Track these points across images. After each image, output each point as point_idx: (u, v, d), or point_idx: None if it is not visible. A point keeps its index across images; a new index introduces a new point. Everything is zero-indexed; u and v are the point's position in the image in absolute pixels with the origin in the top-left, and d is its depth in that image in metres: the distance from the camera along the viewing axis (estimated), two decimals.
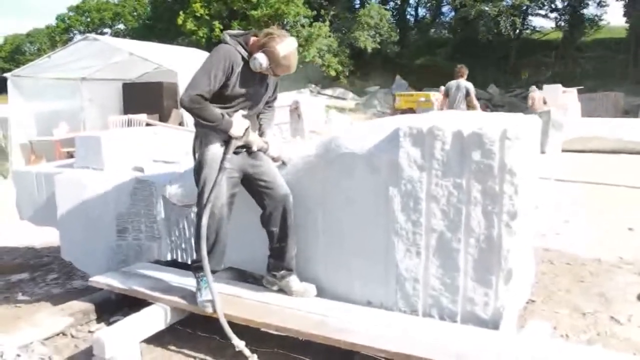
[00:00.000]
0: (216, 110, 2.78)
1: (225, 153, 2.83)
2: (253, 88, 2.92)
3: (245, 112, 2.91)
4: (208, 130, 2.85)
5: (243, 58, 2.82)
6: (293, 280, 2.99)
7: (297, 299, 2.93)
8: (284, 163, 3.13)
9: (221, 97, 2.81)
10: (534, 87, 14.32)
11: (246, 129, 2.87)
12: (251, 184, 3.00)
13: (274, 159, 3.10)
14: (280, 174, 3.07)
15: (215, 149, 2.86)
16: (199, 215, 2.86)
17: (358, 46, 30.73)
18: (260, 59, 2.75)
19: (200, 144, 2.91)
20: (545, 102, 13.28)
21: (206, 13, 30.98)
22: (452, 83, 9.41)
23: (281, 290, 3.01)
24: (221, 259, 2.95)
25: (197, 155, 2.93)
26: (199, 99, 2.72)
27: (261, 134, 3.10)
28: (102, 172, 3.87)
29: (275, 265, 3.02)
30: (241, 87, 2.85)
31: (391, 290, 2.80)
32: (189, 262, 3.33)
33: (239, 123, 2.84)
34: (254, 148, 2.97)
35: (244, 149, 2.96)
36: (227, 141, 2.86)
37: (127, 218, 3.71)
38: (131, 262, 3.68)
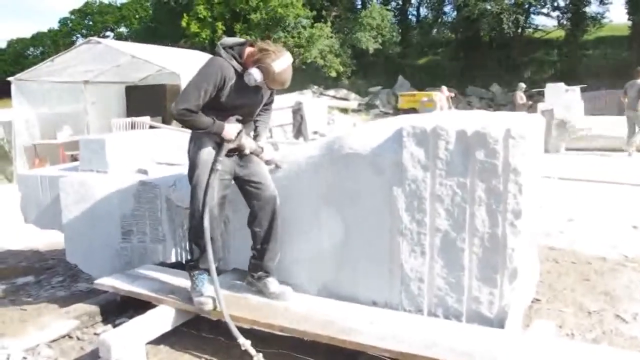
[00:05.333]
0: (205, 118, 2.83)
1: (217, 155, 2.88)
2: (247, 98, 2.95)
3: (240, 118, 2.96)
4: (201, 133, 2.90)
5: (236, 71, 2.85)
6: (271, 282, 3.00)
7: (300, 299, 2.94)
8: (277, 166, 3.15)
9: (216, 105, 2.85)
10: (521, 84, 14.91)
11: (238, 133, 2.90)
12: (242, 184, 3.05)
13: (267, 162, 3.11)
14: (280, 176, 3.09)
15: (207, 151, 2.91)
16: (192, 215, 2.93)
17: (360, 47, 30.71)
18: (255, 74, 2.78)
19: (193, 145, 2.97)
20: (525, 99, 13.94)
21: (209, 15, 31.02)
22: (630, 82, 10.42)
23: (260, 292, 3.02)
24: (214, 258, 2.97)
25: (190, 156, 2.98)
26: (187, 113, 2.78)
27: (256, 136, 3.13)
28: (106, 174, 3.88)
29: (255, 266, 3.05)
30: (235, 98, 2.88)
31: (396, 290, 2.80)
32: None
33: (231, 127, 2.89)
34: (247, 151, 3.01)
35: (236, 153, 2.99)
36: (219, 144, 2.90)
37: (132, 220, 3.72)
38: (136, 264, 3.68)
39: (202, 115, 2.82)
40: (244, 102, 2.94)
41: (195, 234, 2.90)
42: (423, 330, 2.51)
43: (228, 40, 2.98)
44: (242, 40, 2.98)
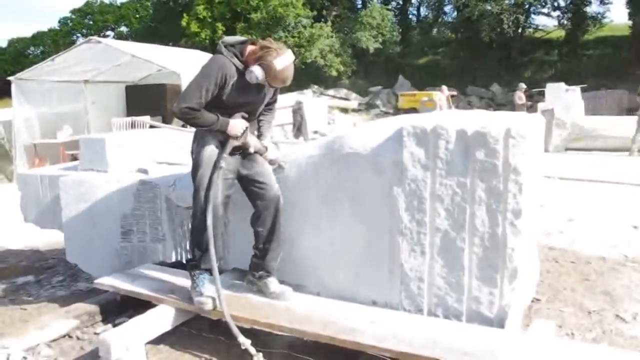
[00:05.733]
0: (209, 114, 2.83)
1: (221, 153, 2.87)
2: (250, 96, 2.95)
3: (245, 115, 2.95)
4: (205, 131, 2.90)
5: (237, 69, 2.85)
6: (271, 282, 3.00)
7: (300, 299, 2.94)
8: (280, 166, 3.15)
9: (218, 103, 2.85)
10: (521, 84, 14.98)
11: (244, 130, 2.89)
12: (246, 184, 3.04)
13: (271, 162, 3.11)
14: (281, 176, 3.09)
15: (211, 149, 2.90)
16: (195, 214, 2.93)
17: (360, 46, 30.70)
18: (257, 72, 2.78)
19: (197, 144, 2.96)
20: (525, 100, 14.06)
21: (209, 15, 31.02)
22: None
23: (260, 291, 3.02)
24: (215, 257, 2.96)
25: (193, 155, 2.98)
26: (189, 111, 2.78)
27: (259, 136, 3.12)
28: (106, 174, 3.88)
29: (256, 266, 3.05)
30: (237, 96, 2.88)
31: (396, 289, 2.80)
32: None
33: (236, 123, 2.88)
34: (251, 150, 3.00)
35: (240, 151, 2.99)
36: (223, 141, 2.89)
37: (132, 220, 3.72)
38: (136, 263, 3.68)
39: (205, 112, 2.82)
40: (246, 100, 2.93)
41: (198, 234, 2.90)
42: (423, 330, 2.51)
43: (230, 38, 2.98)
44: (243, 38, 2.97)
